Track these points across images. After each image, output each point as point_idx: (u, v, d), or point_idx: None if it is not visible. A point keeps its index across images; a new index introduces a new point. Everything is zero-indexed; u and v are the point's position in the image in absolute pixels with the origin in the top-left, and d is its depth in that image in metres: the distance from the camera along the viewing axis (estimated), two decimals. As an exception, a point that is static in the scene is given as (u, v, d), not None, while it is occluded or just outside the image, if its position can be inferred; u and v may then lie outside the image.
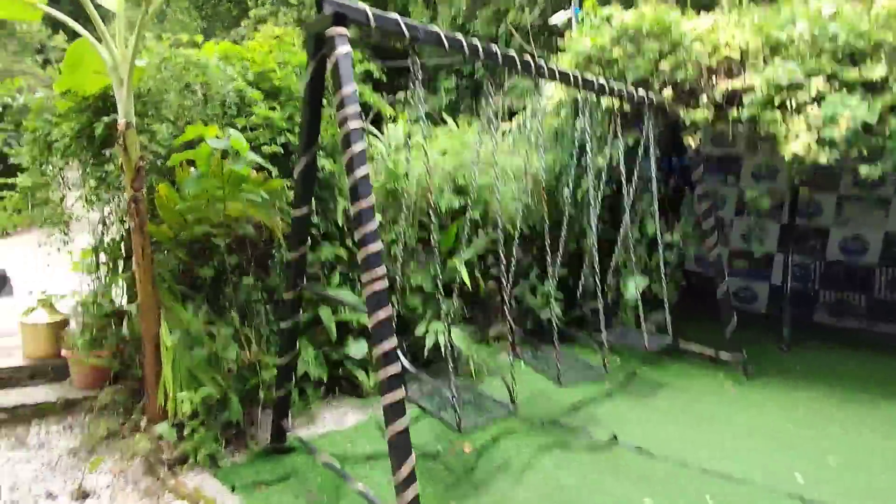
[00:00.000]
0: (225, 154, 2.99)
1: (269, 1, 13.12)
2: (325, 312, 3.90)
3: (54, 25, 13.94)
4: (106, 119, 3.15)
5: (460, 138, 4.96)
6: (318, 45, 2.46)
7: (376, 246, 2.25)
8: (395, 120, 5.18)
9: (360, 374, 4.11)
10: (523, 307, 5.47)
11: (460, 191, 4.67)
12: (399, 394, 2.22)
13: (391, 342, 2.23)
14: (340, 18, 2.29)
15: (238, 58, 4.00)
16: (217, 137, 2.89)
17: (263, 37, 4.24)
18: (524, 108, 6.53)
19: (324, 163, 4.01)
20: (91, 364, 3.38)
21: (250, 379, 3.38)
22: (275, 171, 3.43)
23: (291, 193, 3.58)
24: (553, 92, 5.16)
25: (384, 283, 2.25)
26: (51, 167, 3.44)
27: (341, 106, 2.27)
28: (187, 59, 3.60)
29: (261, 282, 3.67)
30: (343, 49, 2.29)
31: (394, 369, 2.23)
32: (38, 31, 11.31)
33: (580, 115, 3.92)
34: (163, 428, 2.88)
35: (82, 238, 3.74)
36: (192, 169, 3.13)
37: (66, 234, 3.56)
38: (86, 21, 2.87)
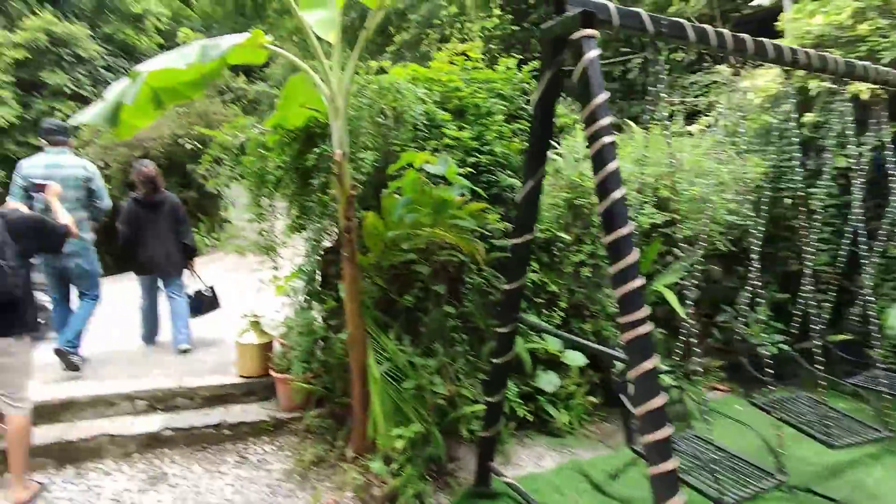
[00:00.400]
0: (432, 179, 2.87)
1: (412, 25, 13.60)
2: (518, 342, 3.62)
3: (233, 69, 15.93)
4: (318, 149, 3.22)
5: (657, 144, 4.41)
6: (557, 51, 2.18)
7: (638, 282, 1.88)
8: (561, 130, 4.82)
9: (553, 410, 3.76)
10: (724, 337, 4.72)
11: (660, 204, 4.13)
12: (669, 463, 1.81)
13: (659, 399, 1.83)
14: (588, 18, 1.98)
15: (423, 79, 3.95)
16: (426, 163, 2.77)
17: (447, 55, 4.16)
18: (712, 106, 5.75)
19: (511, 181, 3.78)
20: (297, 386, 3.47)
21: (449, 413, 3.21)
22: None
23: (490, 216, 3.41)
24: (762, 83, 4.40)
25: (648, 327, 1.87)
26: (264, 198, 3.64)
27: (593, 118, 1.95)
28: (380, 84, 3.61)
29: (454, 309, 3.52)
30: (592, 53, 1.97)
31: (661, 433, 1.83)
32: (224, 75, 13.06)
33: (813, 108, 3.19)
34: (377, 465, 2.79)
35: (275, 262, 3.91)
36: (396, 195, 3.06)
37: (274, 259, 3.74)
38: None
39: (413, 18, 12.87)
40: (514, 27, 10.55)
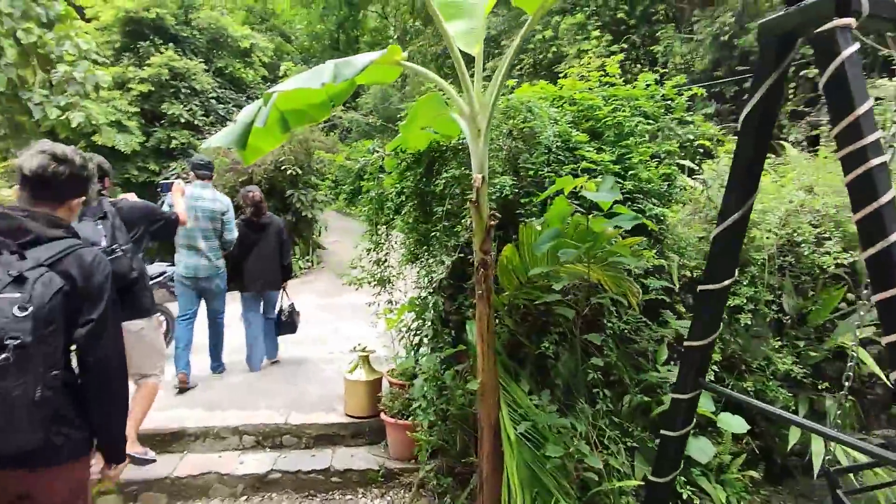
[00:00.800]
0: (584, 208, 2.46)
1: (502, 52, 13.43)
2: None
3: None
4: (447, 173, 2.93)
5: (825, 168, 3.74)
6: (783, 50, 1.72)
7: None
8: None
9: (707, 485, 3.14)
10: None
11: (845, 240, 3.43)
12: None
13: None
14: (844, 5, 1.52)
15: (552, 97, 3.60)
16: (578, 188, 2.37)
17: (578, 70, 3.79)
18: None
19: (657, 210, 3.28)
20: (416, 437, 3.13)
21: (592, 486, 2.71)
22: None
23: (646, 252, 2.94)
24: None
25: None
26: (381, 226, 3.41)
27: (855, 134, 1.46)
28: (509, 103, 3.29)
29: (593, 357, 3.04)
30: (851, 48, 1.50)
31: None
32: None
33: None
34: (517, 546, 2.35)
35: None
36: (537, 226, 2.68)
37: (390, 292, 3.48)
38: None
39: (505, 45, 12.74)
40: (612, 49, 10.03)
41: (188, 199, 4.05)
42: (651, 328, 3.13)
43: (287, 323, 4.93)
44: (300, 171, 10.14)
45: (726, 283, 1.97)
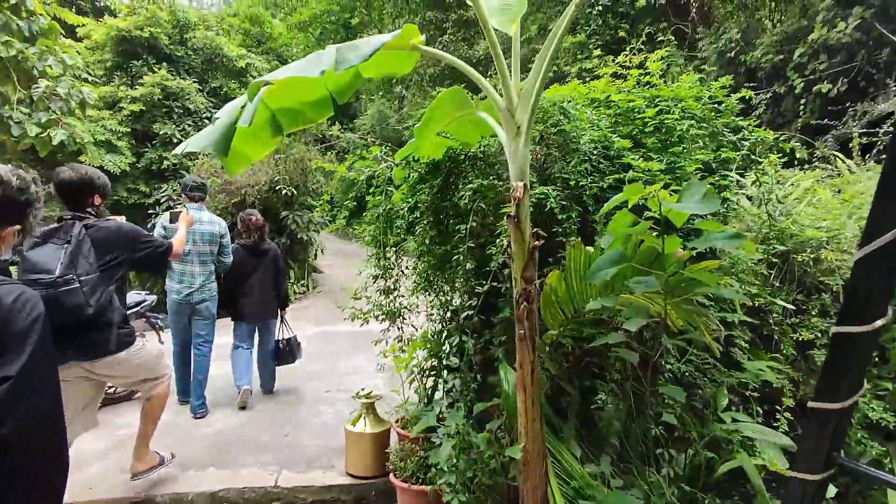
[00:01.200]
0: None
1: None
2: (742, 457, 2.51)
3: (331, 121, 16.29)
4: (473, 185, 2.42)
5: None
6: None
7: None
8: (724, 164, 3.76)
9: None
10: None
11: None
12: None
13: None
14: None
15: (583, 98, 3.13)
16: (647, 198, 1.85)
17: (611, 69, 3.32)
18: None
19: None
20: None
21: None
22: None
23: (724, 279, 2.41)
24: None
25: None
26: (391, 248, 2.88)
27: None
28: (542, 104, 2.81)
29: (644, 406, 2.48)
30: None
31: None
32: (319, 125, 13.25)
33: None
34: None
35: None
36: (589, 248, 2.16)
37: (401, 327, 2.93)
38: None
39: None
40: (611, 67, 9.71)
41: None
42: (720, 371, 2.59)
43: (287, 352, 4.62)
44: (295, 192, 9.66)
45: (878, 323, 1.44)
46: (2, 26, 5.79)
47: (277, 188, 9.38)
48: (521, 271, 2.01)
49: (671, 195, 1.80)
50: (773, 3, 9.84)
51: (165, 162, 11.97)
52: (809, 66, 8.60)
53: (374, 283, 2.93)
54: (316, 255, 11.17)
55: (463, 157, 2.85)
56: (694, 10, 10.91)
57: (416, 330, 3.19)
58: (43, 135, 6.12)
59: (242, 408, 4.23)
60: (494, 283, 2.37)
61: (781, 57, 9.09)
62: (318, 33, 22.83)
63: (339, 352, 6.44)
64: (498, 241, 2.32)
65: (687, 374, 2.57)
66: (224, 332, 4.76)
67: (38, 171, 9.62)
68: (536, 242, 2.00)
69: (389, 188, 2.96)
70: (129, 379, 2.77)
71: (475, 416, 2.42)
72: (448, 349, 2.96)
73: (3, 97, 6.01)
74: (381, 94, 19.57)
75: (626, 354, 2.08)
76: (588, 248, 2.13)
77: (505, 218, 2.03)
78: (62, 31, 6.55)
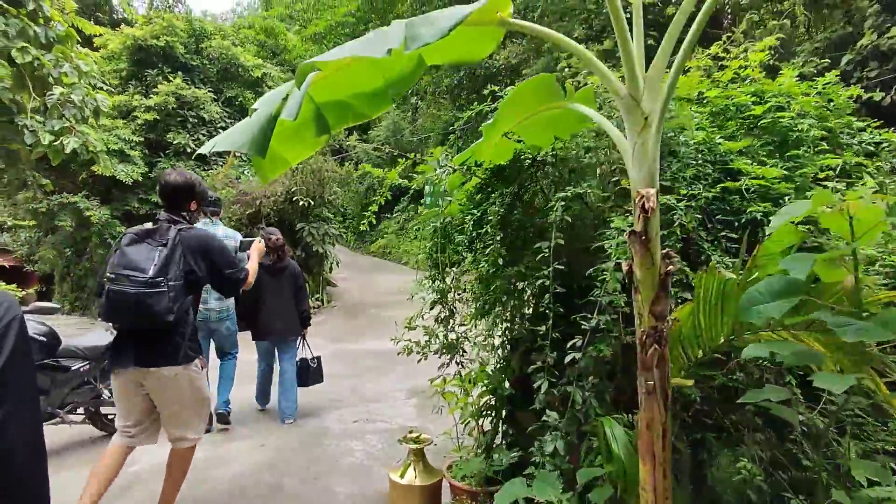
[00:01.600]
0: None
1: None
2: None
3: (347, 130, 16.02)
4: (569, 192, 1.96)
5: None
6: None
7: None
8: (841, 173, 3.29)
9: None
10: None
11: None
12: None
13: None
14: None
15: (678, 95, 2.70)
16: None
17: (702, 62, 2.89)
18: None
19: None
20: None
21: None
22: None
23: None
24: None
25: None
26: (450, 268, 2.43)
27: None
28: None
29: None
30: None
31: None
32: (337, 135, 12.97)
33: None
34: None
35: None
36: (728, 274, 1.70)
37: (460, 363, 2.47)
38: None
39: (526, 74, 12.09)
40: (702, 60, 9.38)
41: None
42: (871, 425, 2.10)
43: (315, 370, 4.51)
44: (312, 203, 9.28)
45: None
46: (19, 32, 5.53)
47: (294, 199, 9.01)
48: (650, 304, 1.56)
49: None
50: (811, 11, 9.47)
51: (179, 172, 11.66)
52: (855, 74, 8.17)
53: (431, 309, 2.48)
54: (331, 268, 10.77)
55: (531, 161, 2.42)
56: (727, 20, 10.58)
57: (471, 363, 2.74)
58: (56, 143, 5.84)
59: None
60: (601, 316, 1.90)
61: (826, 64, 8.69)
62: (332, 46, 22.78)
63: (360, 373, 5.98)
64: (604, 265, 1.87)
65: (824, 426, 2.09)
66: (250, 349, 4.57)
67: (50, 180, 9.31)
68: (671, 267, 1.55)
69: (448, 198, 2.53)
70: (172, 407, 2.50)
71: (579, 487, 1.92)
72: (508, 386, 2.50)
73: (19, 105, 5.76)
74: (395, 105, 19.37)
75: (789, 415, 1.60)
76: (727, 273, 1.67)
77: (627, 235, 1.57)
78: (79, 40, 6.27)
